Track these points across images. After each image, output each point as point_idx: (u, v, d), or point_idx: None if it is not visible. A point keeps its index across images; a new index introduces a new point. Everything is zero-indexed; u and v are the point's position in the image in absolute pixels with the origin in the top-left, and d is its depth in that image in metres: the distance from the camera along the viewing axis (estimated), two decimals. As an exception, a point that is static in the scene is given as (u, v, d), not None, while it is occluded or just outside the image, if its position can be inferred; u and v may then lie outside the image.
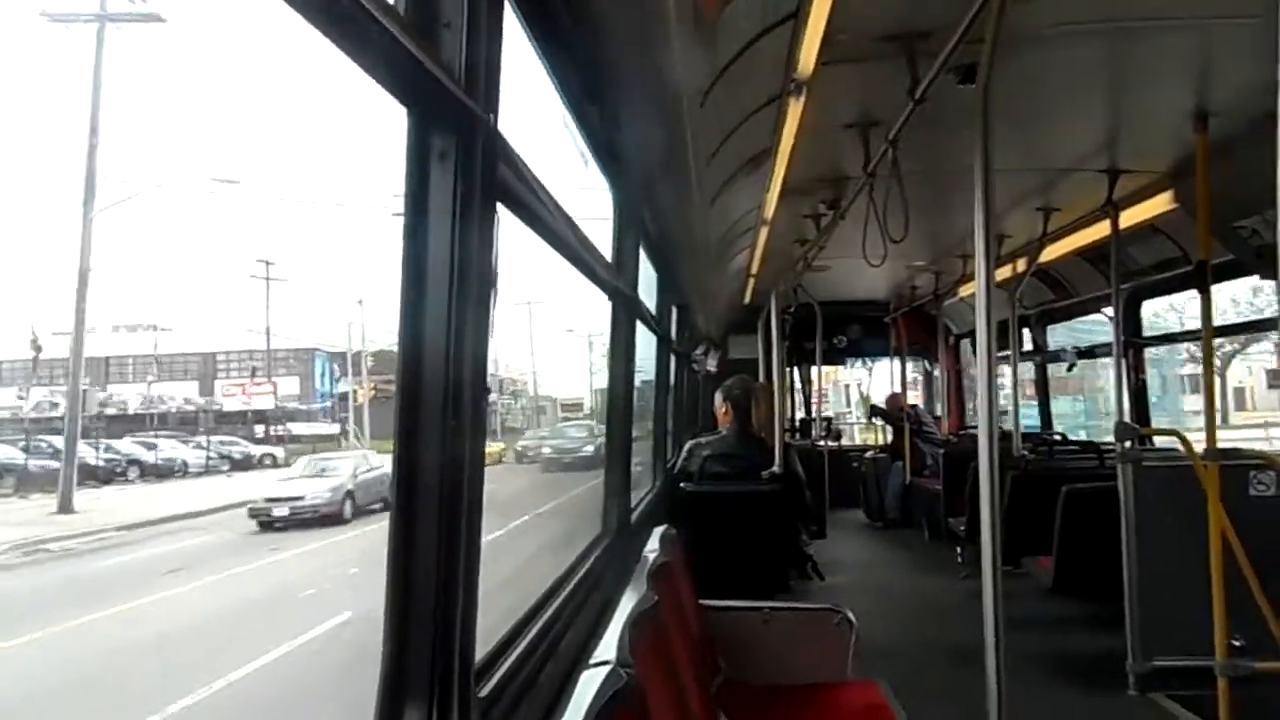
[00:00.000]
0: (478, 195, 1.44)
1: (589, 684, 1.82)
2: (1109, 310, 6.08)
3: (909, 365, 11.41)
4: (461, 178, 1.40)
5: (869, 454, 10.83)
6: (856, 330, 11.44)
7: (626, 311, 3.65)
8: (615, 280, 3.32)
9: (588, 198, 3.10)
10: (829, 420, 11.35)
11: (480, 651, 1.65)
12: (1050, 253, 6.49)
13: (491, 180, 1.50)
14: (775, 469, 5.34)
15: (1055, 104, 4.11)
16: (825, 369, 15.40)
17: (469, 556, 1.51)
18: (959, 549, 7.37)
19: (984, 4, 2.58)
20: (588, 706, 1.70)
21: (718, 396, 5.58)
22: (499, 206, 1.57)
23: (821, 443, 10.24)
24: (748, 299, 9.17)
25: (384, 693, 1.38)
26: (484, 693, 1.68)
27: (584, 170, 2.98)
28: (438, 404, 1.42)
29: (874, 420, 12.12)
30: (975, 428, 11.07)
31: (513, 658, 1.93)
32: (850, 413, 14.72)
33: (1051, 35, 3.26)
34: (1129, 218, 5.35)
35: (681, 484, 5.34)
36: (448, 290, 1.39)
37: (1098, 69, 3.76)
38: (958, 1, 2.72)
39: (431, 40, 1.34)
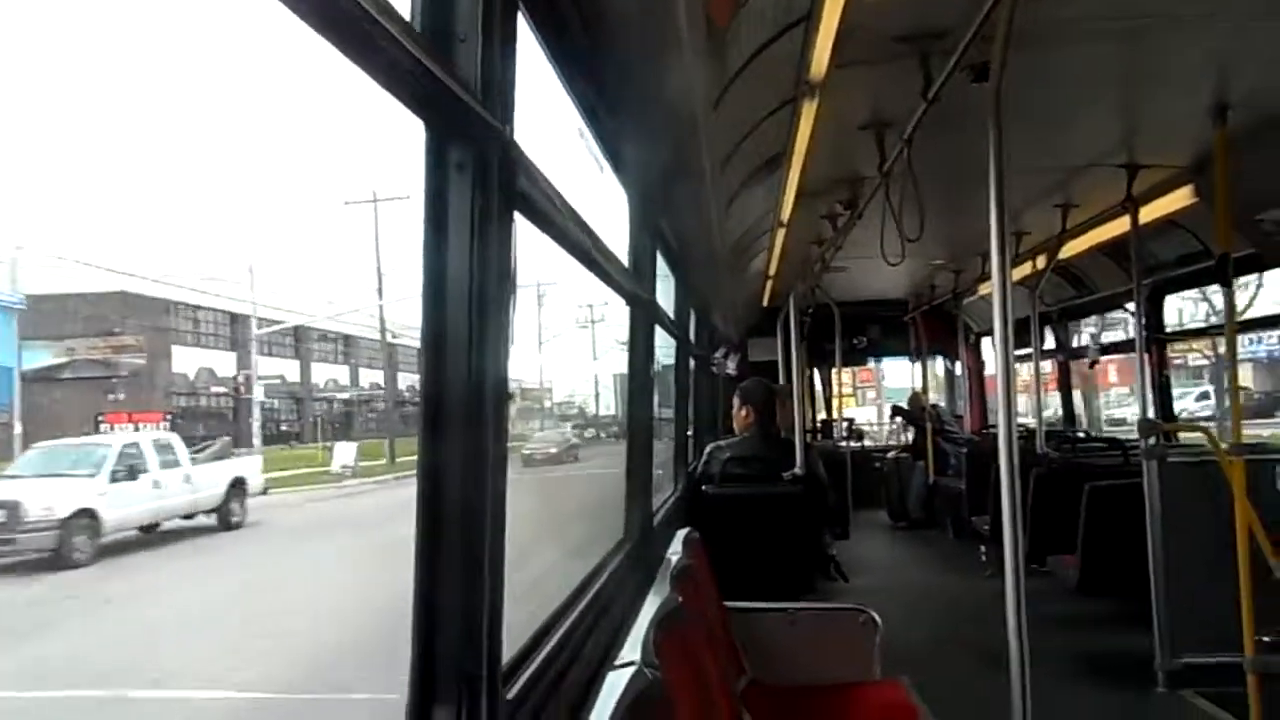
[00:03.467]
0: (495, 205, 1.47)
1: (614, 685, 1.84)
2: (1131, 306, 6.05)
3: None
4: (479, 189, 1.42)
5: (891, 454, 10.79)
6: (876, 330, 11.40)
7: (645, 317, 3.67)
8: (633, 286, 3.34)
9: (604, 201, 3.14)
10: (850, 421, 11.32)
11: (506, 653, 1.67)
12: (1070, 249, 6.46)
13: (509, 191, 1.53)
14: (797, 470, 5.34)
15: (1071, 101, 4.10)
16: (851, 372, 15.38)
17: (494, 560, 1.53)
18: (983, 548, 7.34)
19: (996, 2, 2.59)
20: (614, 707, 1.72)
21: (736, 400, 5.59)
22: (516, 215, 1.60)
23: (844, 444, 10.21)
24: (766, 301, 9.17)
25: (413, 696, 1.40)
26: (511, 694, 1.70)
27: (600, 176, 3.01)
28: (460, 411, 1.45)
29: (895, 420, 12.09)
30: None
31: (539, 660, 1.95)
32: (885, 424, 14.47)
33: (1066, 32, 3.26)
34: (1149, 213, 5.32)
35: (704, 487, 5.35)
36: (468, 298, 1.42)
37: (1114, 65, 3.75)
38: (971, 0, 2.73)
39: (446, 54, 1.36)
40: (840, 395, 12.27)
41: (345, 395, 29.50)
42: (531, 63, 1.94)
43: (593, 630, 2.44)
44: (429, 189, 1.40)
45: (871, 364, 15.58)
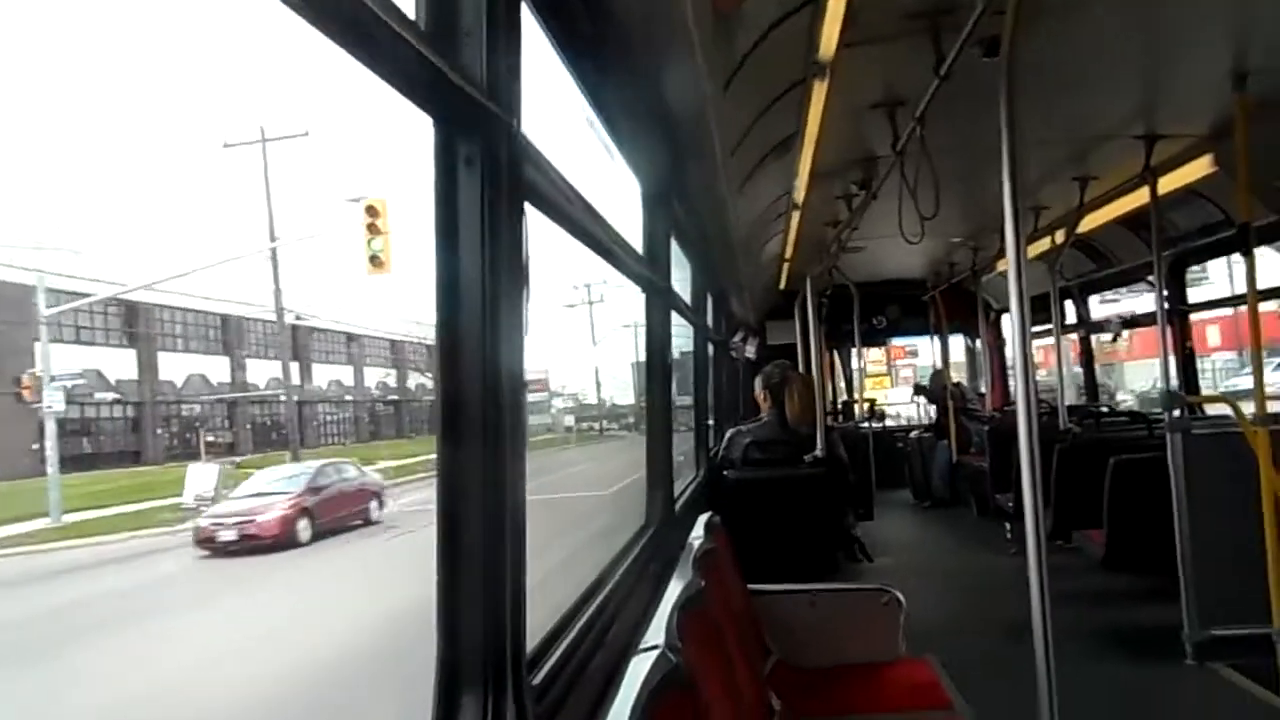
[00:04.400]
0: (505, 197, 1.47)
1: (639, 669, 1.85)
2: (1152, 278, 5.98)
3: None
4: (488, 182, 1.43)
5: (914, 433, 10.75)
6: (895, 310, 11.34)
7: (661, 302, 3.68)
8: (648, 272, 3.34)
9: (616, 189, 3.14)
10: (872, 402, 11.28)
11: (530, 642, 1.69)
12: (1089, 222, 6.40)
13: (518, 182, 1.54)
14: (818, 453, 5.34)
15: (1086, 71, 4.05)
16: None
17: (515, 551, 1.55)
18: (1008, 525, 7.31)
19: None
20: (638, 690, 1.74)
21: (757, 383, 5.59)
22: (527, 206, 1.61)
23: (865, 424, 10.19)
24: (784, 284, 9.15)
25: (440, 685, 1.42)
26: (536, 681, 1.72)
27: (610, 165, 3.01)
28: (477, 403, 1.46)
29: (917, 399, 12.04)
30: None
31: (563, 646, 1.97)
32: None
33: (1078, 2, 3.22)
34: (1168, 183, 5.26)
35: (725, 471, 5.36)
36: (481, 292, 1.43)
37: (1129, 33, 3.70)
38: None
39: (452, 50, 1.37)
40: (868, 375, 12.19)
41: (218, 397, 22.68)
42: (538, 54, 1.95)
43: (616, 616, 2.46)
44: (439, 183, 1.41)
45: (898, 341, 15.46)
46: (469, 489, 1.46)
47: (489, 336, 1.46)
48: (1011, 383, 11.07)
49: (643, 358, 3.81)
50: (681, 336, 5.13)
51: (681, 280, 5.08)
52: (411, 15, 1.27)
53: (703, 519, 3.66)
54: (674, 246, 4.01)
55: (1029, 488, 2.59)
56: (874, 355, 15.64)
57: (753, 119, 3.68)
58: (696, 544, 3.25)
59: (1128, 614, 5.26)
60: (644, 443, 3.79)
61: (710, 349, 6.72)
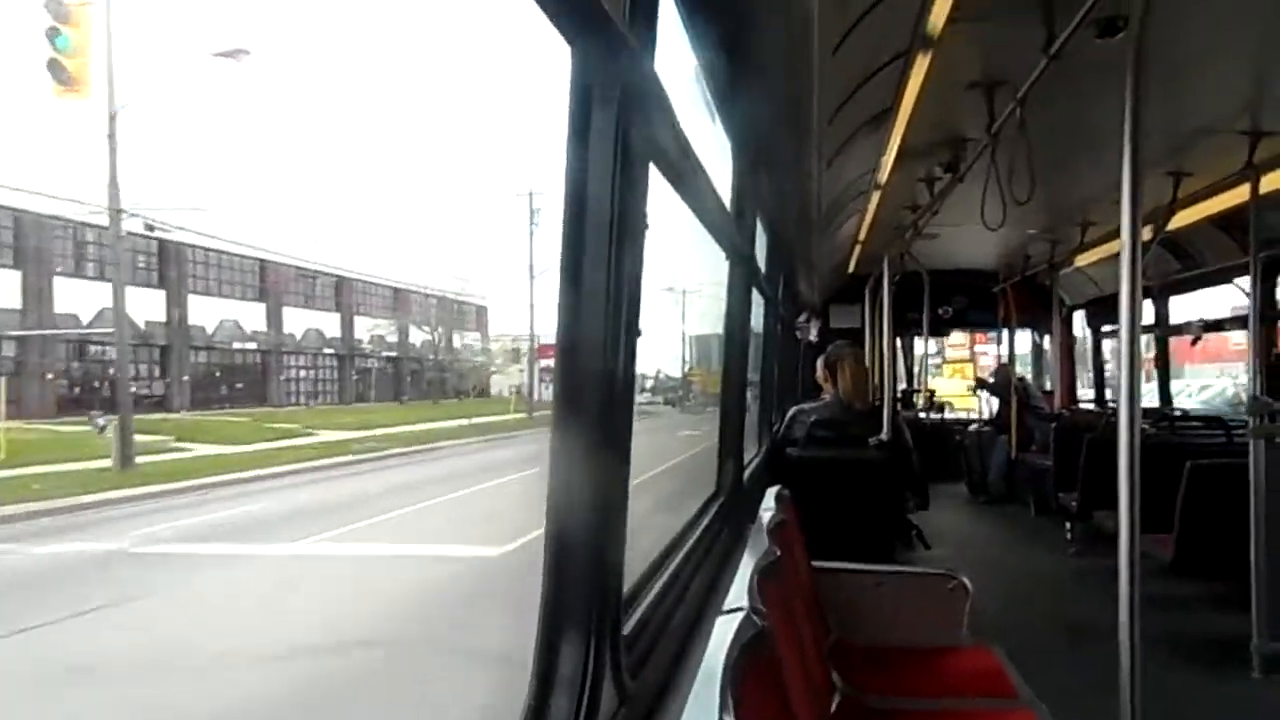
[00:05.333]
0: (635, 138, 1.46)
1: (724, 629, 1.85)
2: (1241, 281, 5.80)
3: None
4: (620, 120, 1.41)
5: (973, 427, 10.59)
6: (962, 300, 11.14)
7: (744, 271, 3.65)
8: (736, 240, 3.32)
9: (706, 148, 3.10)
10: (932, 392, 11.13)
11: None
12: (1179, 219, 6.20)
13: (648, 128, 1.52)
14: (883, 436, 5.29)
15: (1196, 61, 3.91)
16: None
17: (615, 507, 1.56)
18: (1068, 525, 7.18)
19: None
20: (726, 649, 1.74)
21: (819, 364, 5.55)
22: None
23: (924, 414, 10.06)
24: (853, 267, 9.04)
25: (544, 623, 1.44)
26: (626, 630, 1.73)
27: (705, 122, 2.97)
28: (597, 353, 1.45)
29: (978, 392, 11.85)
30: (1086, 401, 10.73)
31: (648, 600, 1.98)
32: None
33: None
34: (1270, 182, 5.07)
35: (788, 449, 5.33)
36: (608, 232, 1.41)
37: (1247, 21, 3.57)
38: None
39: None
40: (947, 360, 11.96)
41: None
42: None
43: (693, 578, 2.47)
44: (573, 117, 1.38)
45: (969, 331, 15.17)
46: (582, 430, 1.46)
47: (611, 285, 1.44)
48: (1081, 379, 10.84)
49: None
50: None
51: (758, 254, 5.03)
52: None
53: (772, 491, 3.64)
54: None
55: (1126, 490, 2.54)
56: (956, 339, 15.26)
57: (852, 89, 3.62)
58: (767, 516, 3.24)
59: (1195, 621, 5.14)
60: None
61: (779, 327, 6.68)
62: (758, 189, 3.75)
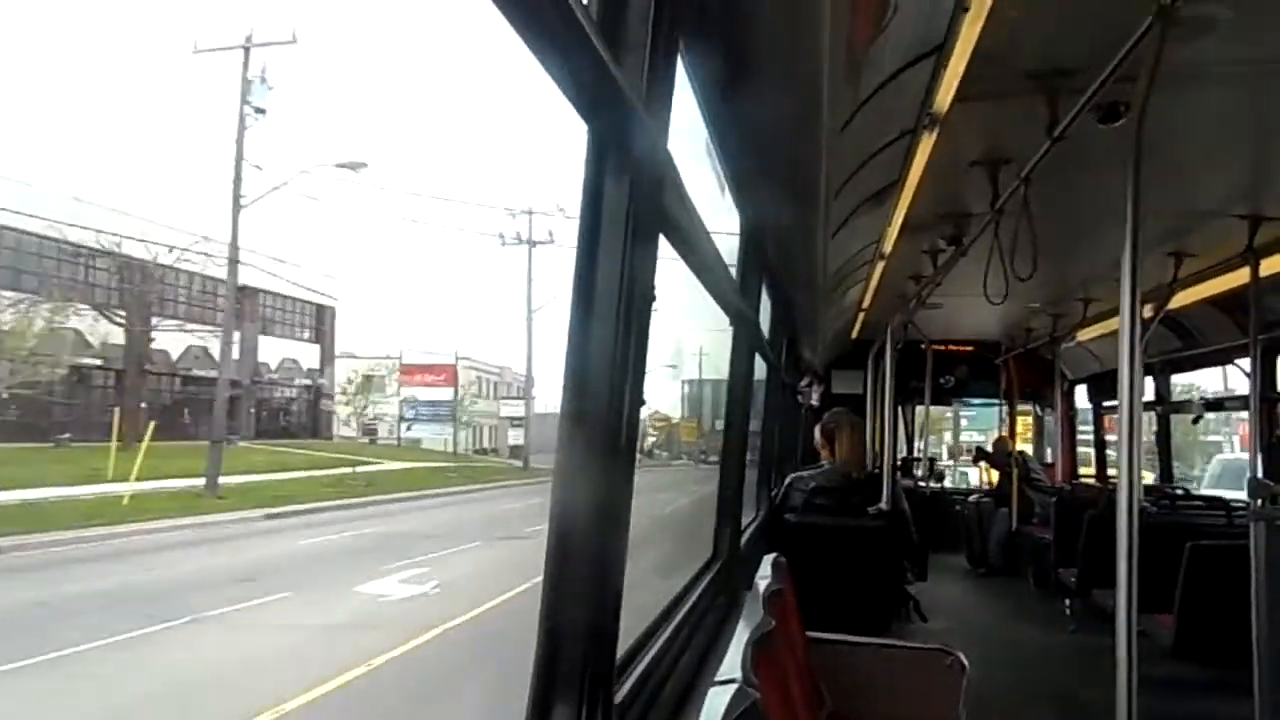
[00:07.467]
0: (646, 214, 1.50)
1: (717, 700, 1.84)
2: (1241, 362, 5.82)
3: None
4: (634, 197, 1.45)
5: (973, 497, 10.54)
6: (963, 370, 11.17)
7: (748, 338, 3.68)
8: (740, 305, 3.35)
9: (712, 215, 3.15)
10: (932, 460, 11.11)
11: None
12: (1179, 299, 6.25)
13: (659, 201, 1.56)
14: (883, 505, 5.27)
15: (1198, 147, 3.99)
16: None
17: (614, 569, 1.56)
18: (1068, 601, 7.11)
19: (1137, 43, 2.55)
20: None
21: (817, 431, 5.55)
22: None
23: (923, 484, 10.02)
24: (856, 333, 9.08)
25: (537, 682, 1.43)
26: (619, 698, 1.72)
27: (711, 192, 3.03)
28: (600, 422, 1.46)
29: (978, 464, 11.82)
30: (1087, 477, 10.69)
31: (641, 668, 1.97)
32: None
33: (1201, 75, 3.18)
34: (1270, 266, 5.13)
35: (787, 515, 5.31)
36: (616, 307, 1.44)
37: (1246, 111, 3.65)
38: (1107, 40, 2.69)
39: (617, 61, 1.39)
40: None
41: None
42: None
43: (686, 648, 2.46)
44: (586, 193, 1.42)
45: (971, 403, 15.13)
46: (583, 499, 1.47)
47: (618, 356, 1.46)
48: (1081, 453, 10.81)
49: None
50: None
51: (762, 318, 5.07)
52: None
53: (768, 559, 3.62)
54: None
55: (1124, 567, 2.53)
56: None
57: (858, 165, 3.69)
58: (763, 584, 3.22)
59: (1197, 705, 5.06)
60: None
61: (781, 391, 6.69)
62: (764, 256, 3.80)
